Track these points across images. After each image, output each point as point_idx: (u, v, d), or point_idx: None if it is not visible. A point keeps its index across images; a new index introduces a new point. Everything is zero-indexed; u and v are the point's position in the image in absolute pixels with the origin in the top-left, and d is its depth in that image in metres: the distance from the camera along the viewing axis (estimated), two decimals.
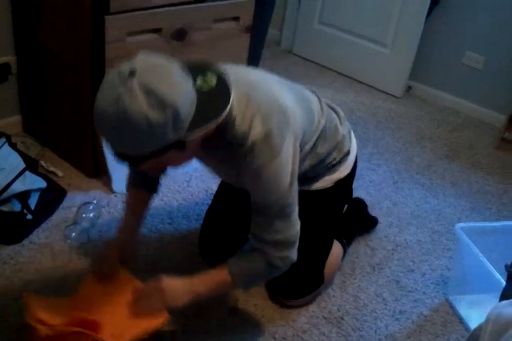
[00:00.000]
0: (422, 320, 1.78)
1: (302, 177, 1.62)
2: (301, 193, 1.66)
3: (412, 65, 3.18)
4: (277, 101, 1.36)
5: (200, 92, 1.20)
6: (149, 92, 1.10)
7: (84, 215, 2.02)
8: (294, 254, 1.44)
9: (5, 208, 1.93)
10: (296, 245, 1.44)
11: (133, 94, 1.09)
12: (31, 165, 2.11)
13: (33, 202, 2.01)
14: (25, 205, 1.97)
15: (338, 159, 1.66)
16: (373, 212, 2.23)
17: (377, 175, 2.48)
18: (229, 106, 1.24)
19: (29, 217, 1.97)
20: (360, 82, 3.38)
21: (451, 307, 1.82)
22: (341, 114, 1.72)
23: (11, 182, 1.94)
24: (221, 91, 1.25)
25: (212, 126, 1.23)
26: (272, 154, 1.31)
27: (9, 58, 2.33)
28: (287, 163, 1.35)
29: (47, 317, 1.46)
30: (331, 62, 3.51)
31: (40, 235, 1.97)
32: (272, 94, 1.38)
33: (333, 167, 1.67)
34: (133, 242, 1.66)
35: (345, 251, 1.91)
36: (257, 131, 1.30)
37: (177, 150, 1.21)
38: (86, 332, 1.42)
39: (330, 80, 3.38)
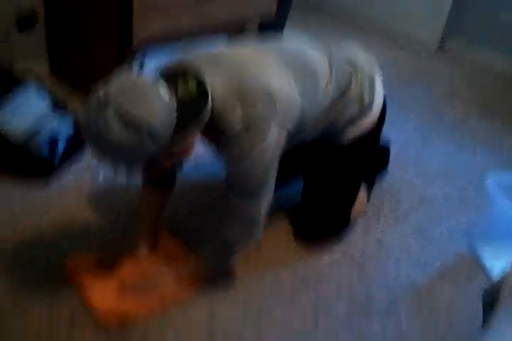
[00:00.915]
0: (445, 269, 1.77)
1: (320, 133, 1.62)
2: (324, 147, 1.68)
3: (446, 21, 3.10)
4: (265, 88, 1.35)
5: (181, 99, 1.24)
6: (124, 120, 1.15)
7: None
8: (258, 232, 1.49)
9: (34, 152, 1.95)
10: (260, 223, 1.47)
11: (108, 122, 1.16)
12: (59, 106, 2.12)
13: (61, 144, 2.03)
14: (54, 148, 1.99)
15: (357, 113, 1.63)
16: (401, 165, 2.21)
17: (408, 129, 2.45)
18: (207, 111, 1.28)
19: (57, 160, 1.99)
20: (391, 38, 3.31)
21: (475, 257, 1.81)
22: (360, 64, 1.65)
23: (40, 124, 1.96)
24: (200, 95, 1.28)
25: (194, 131, 1.29)
26: (252, 144, 1.33)
27: (37, 3, 2.33)
28: (267, 151, 1.36)
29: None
30: (360, 17, 3.45)
31: (68, 178, 2.00)
32: (262, 80, 1.37)
33: (352, 122, 1.64)
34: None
35: (370, 193, 1.92)
36: (237, 121, 1.31)
37: (166, 155, 1.28)
38: None
39: (359, 35, 3.31)
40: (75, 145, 2.08)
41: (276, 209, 1.87)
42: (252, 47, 1.53)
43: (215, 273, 1.63)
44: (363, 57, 1.70)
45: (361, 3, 3.47)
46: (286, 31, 2.62)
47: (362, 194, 1.84)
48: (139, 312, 1.51)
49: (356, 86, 1.60)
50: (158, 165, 1.34)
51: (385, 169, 2.11)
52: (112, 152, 1.21)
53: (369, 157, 1.81)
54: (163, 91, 1.21)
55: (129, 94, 1.18)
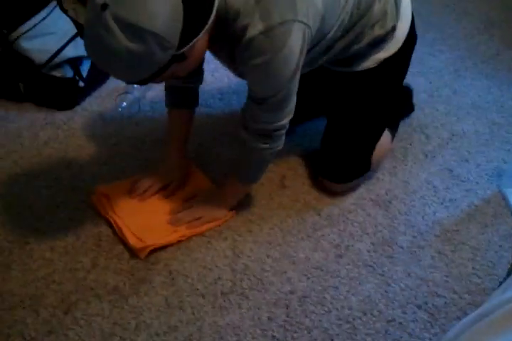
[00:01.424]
0: (472, 209, 1.75)
1: (340, 57, 1.52)
2: (344, 74, 1.59)
3: None
4: None
5: None
6: (124, 25, 1.05)
7: (135, 85, 2.00)
8: (277, 145, 1.46)
9: (57, 73, 1.92)
10: (283, 137, 1.44)
11: (109, 29, 1.06)
12: (82, 31, 2.05)
13: (84, 69, 1.99)
14: (77, 72, 1.95)
15: (380, 36, 1.51)
16: (431, 99, 2.14)
17: (439, 62, 2.35)
18: (215, 6, 1.15)
19: (81, 83, 1.96)
20: None
21: (504, 199, 1.78)
22: None
23: (63, 46, 1.91)
24: None
25: (205, 32, 1.17)
26: (272, 51, 1.22)
27: None
28: (290, 58, 1.25)
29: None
30: None
31: (92, 103, 1.97)
32: None
33: (375, 45, 1.53)
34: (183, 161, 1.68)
35: (393, 137, 1.86)
36: (255, 27, 1.19)
37: (179, 63, 1.18)
38: None
39: None
40: (99, 70, 2.02)
41: (301, 149, 1.87)
42: None
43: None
44: None
45: None
46: None
47: (385, 139, 1.76)
48: (166, 243, 1.53)
49: (380, 3, 1.47)
50: (170, 76, 1.24)
51: (409, 115, 2.03)
52: (119, 64, 1.12)
53: (394, 89, 1.70)
54: None
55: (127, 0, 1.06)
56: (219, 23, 1.21)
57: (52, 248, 1.51)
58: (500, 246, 1.65)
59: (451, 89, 2.22)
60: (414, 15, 1.62)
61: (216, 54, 1.44)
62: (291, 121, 1.50)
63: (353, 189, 1.75)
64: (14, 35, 1.83)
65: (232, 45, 1.26)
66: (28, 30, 1.86)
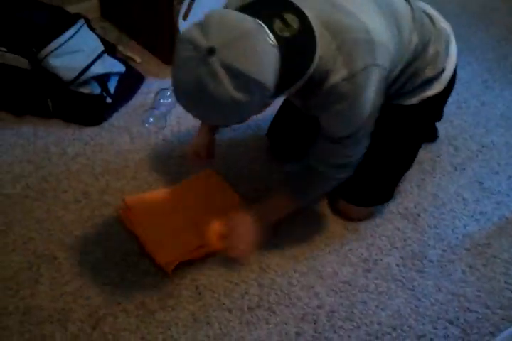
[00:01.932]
0: (504, 222, 1.72)
1: (389, 90, 1.48)
2: (388, 107, 1.54)
3: None
4: (364, 32, 1.19)
5: (281, 43, 1.06)
6: (234, 74, 1.01)
7: (161, 101, 2.01)
8: (351, 172, 1.44)
9: (85, 90, 1.94)
10: (354, 166, 1.42)
11: (216, 76, 1.01)
12: (110, 49, 2.09)
13: (112, 85, 2.01)
14: (105, 88, 1.97)
15: (430, 76, 1.50)
16: (459, 111, 2.12)
17: (467, 73, 2.32)
18: (316, 61, 1.13)
19: (108, 100, 1.98)
20: None
21: None
22: (439, 23, 1.52)
23: (91, 63, 1.93)
24: (305, 37, 1.11)
25: (301, 82, 1.16)
26: (354, 95, 1.20)
27: None
28: (370, 100, 1.24)
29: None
30: None
31: (119, 119, 1.99)
32: (359, 23, 1.19)
33: (424, 84, 1.52)
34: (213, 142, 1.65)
35: None
36: (339, 74, 1.17)
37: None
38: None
39: None
40: (127, 85, 2.06)
41: None
42: None
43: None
44: (439, 17, 1.56)
45: None
46: None
47: None
48: (192, 257, 1.52)
49: (434, 45, 1.46)
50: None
51: (434, 141, 2.00)
52: (215, 110, 1.07)
53: (428, 124, 1.71)
54: (270, 36, 1.04)
55: (236, 47, 1.01)
56: None
57: (80, 263, 1.52)
58: None
59: (479, 100, 2.19)
60: (451, 43, 1.61)
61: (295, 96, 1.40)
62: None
63: (367, 217, 1.70)
64: (43, 53, 1.86)
65: (309, 88, 1.22)
66: (56, 48, 1.88)
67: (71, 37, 1.92)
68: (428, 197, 1.78)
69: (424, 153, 1.91)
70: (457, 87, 2.20)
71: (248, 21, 1.04)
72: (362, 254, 1.60)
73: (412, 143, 1.63)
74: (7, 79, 1.92)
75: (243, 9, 1.10)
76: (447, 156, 1.93)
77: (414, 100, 1.54)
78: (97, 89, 1.95)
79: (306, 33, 1.11)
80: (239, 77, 1.01)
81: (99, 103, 1.96)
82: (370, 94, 1.24)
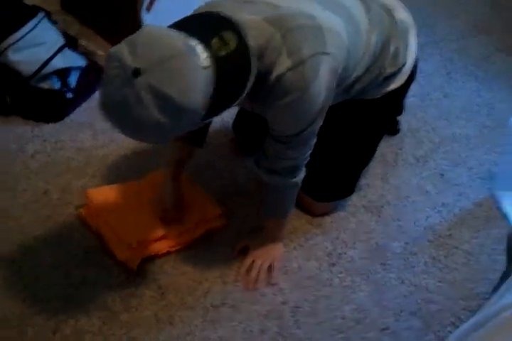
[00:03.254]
0: (465, 213, 1.74)
1: (351, 91, 1.48)
2: (347, 102, 1.53)
3: None
4: (309, 18, 1.17)
5: (217, 63, 1.04)
6: (159, 97, 0.99)
7: None
8: (303, 173, 1.42)
9: (45, 85, 1.91)
10: (304, 166, 1.41)
11: (141, 99, 0.99)
12: (71, 42, 2.04)
13: (73, 80, 1.97)
14: (65, 83, 1.94)
15: (391, 72, 1.49)
16: (423, 103, 2.13)
17: (430, 65, 2.33)
18: (252, 77, 1.09)
19: (69, 95, 1.94)
20: None
21: (496, 202, 1.77)
22: (398, 15, 1.51)
23: (51, 57, 1.89)
24: (241, 56, 1.08)
25: (235, 104, 1.12)
26: (302, 87, 1.16)
27: None
28: (320, 93, 1.20)
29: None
30: None
31: (81, 114, 1.96)
32: (303, 12, 1.18)
33: (386, 80, 1.51)
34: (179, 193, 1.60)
35: None
36: (283, 64, 1.14)
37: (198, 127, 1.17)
38: None
39: None
40: (89, 80, 2.02)
41: None
42: None
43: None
44: (399, 7, 1.55)
45: None
46: None
47: None
48: (156, 253, 1.51)
49: (394, 42, 1.45)
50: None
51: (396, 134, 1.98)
52: (140, 133, 1.07)
53: (389, 118, 1.71)
54: (202, 57, 1.02)
55: (162, 69, 0.99)
56: None
57: (40, 264, 1.49)
58: (493, 249, 1.64)
59: (442, 92, 2.21)
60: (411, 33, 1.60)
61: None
62: None
63: (330, 212, 1.70)
64: (1, 47, 1.82)
65: (255, 85, 1.17)
66: (15, 42, 1.84)
67: (30, 30, 1.87)
68: (391, 190, 1.79)
69: (387, 146, 1.92)
70: (420, 79, 2.23)
71: (178, 42, 1.02)
72: (326, 248, 1.61)
73: (372, 137, 1.64)
74: None
75: (182, 25, 1.08)
76: (410, 149, 1.94)
77: (376, 95, 1.54)
78: (57, 84, 1.92)
79: (242, 51, 1.08)
80: (164, 101, 0.99)
81: (60, 98, 1.92)
82: (320, 87, 1.19)
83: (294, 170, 1.39)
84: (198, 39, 1.04)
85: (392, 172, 1.85)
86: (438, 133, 2.02)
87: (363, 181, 1.79)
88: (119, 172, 1.75)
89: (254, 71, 1.10)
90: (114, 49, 1.03)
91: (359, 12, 1.36)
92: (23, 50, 1.86)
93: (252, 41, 1.10)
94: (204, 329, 1.39)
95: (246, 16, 1.14)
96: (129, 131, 1.08)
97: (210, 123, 1.55)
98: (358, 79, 1.41)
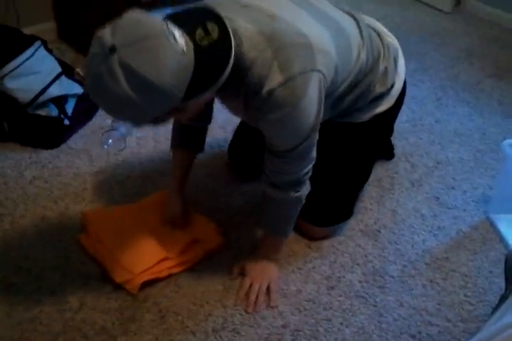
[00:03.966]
0: (461, 236, 1.75)
1: (340, 112, 1.52)
2: (336, 124, 1.57)
3: None
4: (302, 36, 1.20)
5: (200, 50, 1.07)
6: (131, 74, 1.02)
7: (120, 122, 2.00)
8: (307, 188, 1.44)
9: (42, 112, 1.92)
10: (308, 180, 1.42)
11: (114, 74, 1.02)
12: (67, 70, 2.07)
13: (69, 107, 2.00)
14: (62, 110, 1.95)
15: (380, 92, 1.53)
16: (415, 128, 2.17)
17: (421, 91, 2.38)
18: (229, 67, 1.13)
19: (66, 122, 1.96)
20: None
21: (492, 225, 1.79)
22: (386, 38, 1.55)
23: (48, 85, 1.92)
24: (222, 46, 1.12)
25: (213, 90, 1.15)
26: (293, 102, 1.19)
27: None
28: (311, 108, 1.23)
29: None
30: None
31: (77, 141, 1.97)
32: (299, 27, 1.22)
33: (374, 101, 1.54)
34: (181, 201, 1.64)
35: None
36: (275, 79, 1.16)
37: (178, 112, 1.16)
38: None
39: None
40: (85, 107, 2.04)
41: None
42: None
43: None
44: (386, 32, 1.60)
45: None
46: None
47: None
48: (155, 276, 1.50)
49: (384, 61, 1.49)
50: (168, 121, 1.22)
51: (391, 159, 2.01)
52: (119, 109, 1.09)
53: (380, 140, 1.72)
54: (180, 42, 1.05)
55: (137, 47, 1.02)
56: (231, 76, 1.16)
57: (39, 288, 1.48)
58: (491, 272, 1.64)
59: (433, 117, 2.25)
60: (399, 57, 1.64)
61: (225, 102, 1.38)
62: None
63: (329, 236, 1.70)
64: None
65: (246, 94, 1.22)
66: (12, 70, 1.86)
67: (27, 59, 1.90)
68: (387, 214, 1.80)
69: (382, 171, 1.94)
70: (412, 105, 2.28)
71: (157, 25, 1.05)
72: (325, 272, 1.61)
73: (365, 160, 1.66)
74: None
75: (169, 15, 1.12)
76: (404, 173, 1.96)
77: (365, 117, 1.56)
78: (54, 112, 1.94)
79: (223, 41, 1.12)
80: (134, 77, 1.02)
81: (57, 125, 1.94)
82: (312, 103, 1.22)
83: (295, 184, 1.39)
84: (182, 28, 1.07)
85: (388, 196, 1.87)
86: (432, 157, 2.05)
87: (359, 205, 1.80)
88: (115, 197, 1.76)
89: (231, 62, 1.13)
90: (100, 29, 1.07)
91: (350, 26, 1.40)
92: (20, 78, 1.88)
93: (245, 50, 1.15)
94: None
95: (243, 24, 1.17)
96: (107, 107, 1.11)
97: (207, 125, 1.59)
98: (346, 93, 1.43)
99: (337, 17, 1.39)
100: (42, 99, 1.91)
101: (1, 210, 1.68)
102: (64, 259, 1.56)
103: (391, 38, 1.61)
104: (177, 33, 1.05)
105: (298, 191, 1.41)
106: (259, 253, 1.56)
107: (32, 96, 1.89)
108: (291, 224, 1.53)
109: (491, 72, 2.56)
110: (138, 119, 1.14)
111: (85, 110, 2.05)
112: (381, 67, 1.49)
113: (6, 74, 1.85)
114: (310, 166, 1.39)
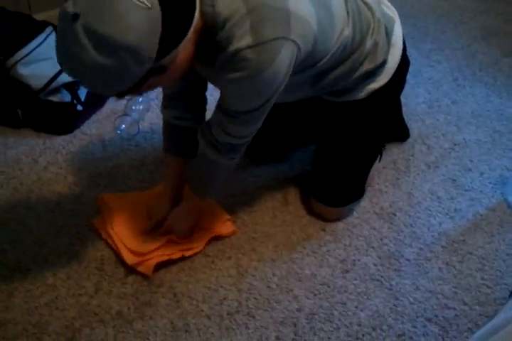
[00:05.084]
0: (478, 218, 1.73)
1: (329, 90, 1.49)
2: (335, 104, 1.54)
3: None
4: (280, 1, 1.14)
5: (160, 4, 1.02)
6: (94, 37, 0.99)
7: (133, 107, 2.00)
8: (238, 158, 1.41)
9: (55, 98, 1.92)
10: (243, 150, 1.39)
11: (79, 42, 0.99)
12: None
13: (82, 93, 1.99)
14: (75, 96, 1.95)
15: (370, 70, 1.47)
16: (431, 110, 2.14)
17: (437, 72, 2.34)
18: (196, 15, 1.10)
19: (79, 107, 1.95)
20: None
21: (509, 207, 1.76)
22: (380, 11, 1.48)
23: (60, 71, 1.91)
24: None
25: (187, 43, 1.11)
26: (257, 68, 1.14)
27: None
28: (274, 78, 1.18)
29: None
30: None
31: (90, 126, 1.97)
32: None
33: (366, 78, 1.49)
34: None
35: (380, 158, 1.80)
36: (244, 39, 1.11)
37: (159, 74, 1.11)
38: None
39: None
40: (97, 94, 2.02)
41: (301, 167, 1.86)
42: None
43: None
44: (383, 2, 1.53)
45: None
46: None
47: None
48: (170, 257, 1.51)
49: (372, 37, 1.43)
50: (151, 88, 1.18)
51: (405, 140, 1.97)
52: (94, 78, 1.05)
53: (386, 117, 1.67)
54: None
55: (97, 10, 0.99)
56: (205, 30, 1.14)
57: (55, 273, 1.49)
58: (508, 254, 1.62)
59: (450, 98, 2.21)
60: (410, 26, 1.61)
61: (203, 68, 1.33)
62: (282, 149, 1.44)
63: (342, 217, 1.70)
64: (11, 61, 1.83)
65: (213, 54, 1.19)
66: (24, 57, 1.86)
67: (39, 45, 1.89)
68: (403, 196, 1.78)
69: (398, 153, 1.92)
70: (428, 86, 2.25)
71: None
72: (340, 255, 1.60)
73: (371, 137, 1.63)
74: None
75: None
76: (420, 155, 1.94)
77: (360, 95, 1.52)
78: (67, 97, 1.93)
79: None
80: (101, 41, 0.99)
81: (70, 111, 1.93)
82: (277, 72, 1.17)
83: (232, 150, 1.36)
84: None
85: (404, 178, 1.85)
86: (448, 139, 2.02)
87: (375, 187, 1.79)
88: (129, 182, 1.76)
89: (197, 8, 1.11)
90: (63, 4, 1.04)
91: (337, 2, 1.33)
92: (32, 64, 1.88)
93: (219, 10, 1.11)
94: (220, 336, 1.39)
95: None
96: (83, 79, 1.07)
97: (194, 130, 1.52)
98: (329, 69, 1.39)
99: None
100: (54, 84, 1.90)
101: (17, 196, 1.69)
102: (79, 244, 1.57)
103: (388, 9, 1.53)
104: None
105: (233, 158, 1.39)
106: (181, 205, 1.56)
107: (44, 82, 1.89)
108: (213, 188, 1.50)
109: (509, 51, 2.51)
110: (117, 87, 1.08)
111: (98, 95, 2.05)
112: (369, 42, 1.43)
113: (18, 60, 1.84)
114: (251, 136, 1.36)
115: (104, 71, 1.02)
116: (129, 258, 1.47)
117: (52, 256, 1.54)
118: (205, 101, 1.57)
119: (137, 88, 1.11)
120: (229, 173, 1.48)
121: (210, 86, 1.49)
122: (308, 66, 1.33)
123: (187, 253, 1.53)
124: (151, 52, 1.03)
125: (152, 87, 1.19)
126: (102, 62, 1.01)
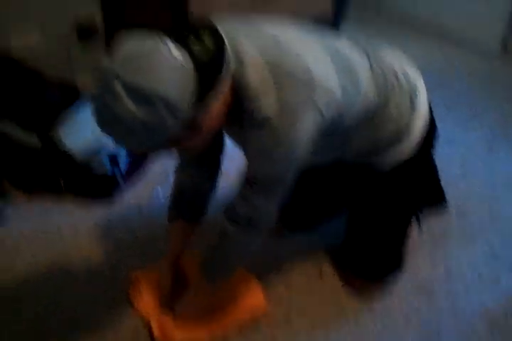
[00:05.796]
0: None
1: (352, 159, 1.50)
2: (365, 175, 1.54)
3: (509, 20, 2.94)
4: (306, 70, 1.18)
5: (198, 58, 1.07)
6: (132, 91, 1.02)
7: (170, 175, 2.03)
8: (260, 238, 1.38)
9: (97, 168, 1.95)
10: (263, 228, 1.36)
11: (117, 96, 1.03)
12: None
13: (123, 161, 2.03)
14: (116, 165, 1.99)
15: (394, 134, 1.46)
16: (467, 177, 2.12)
17: (470, 140, 2.34)
18: (224, 69, 1.13)
19: (119, 177, 1.99)
20: (450, 40, 3.17)
21: None
22: (402, 78, 1.47)
23: (101, 141, 1.96)
24: (216, 51, 1.11)
25: (219, 100, 1.14)
26: (285, 130, 1.17)
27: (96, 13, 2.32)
28: (298, 143, 1.21)
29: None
30: (418, 18, 3.34)
31: (130, 195, 2.01)
32: (304, 60, 1.20)
33: (390, 144, 1.48)
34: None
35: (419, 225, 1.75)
36: (270, 102, 1.15)
37: (192, 132, 1.14)
38: None
39: (416, 39, 3.21)
40: (137, 163, 2.08)
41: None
42: (297, 29, 1.31)
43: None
44: (407, 67, 1.53)
45: (419, 4, 3.38)
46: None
47: None
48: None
49: (395, 103, 1.43)
50: (182, 146, 1.21)
51: (444, 205, 1.86)
52: (130, 133, 1.06)
53: (416, 186, 1.63)
54: (175, 52, 1.05)
55: (133, 62, 1.03)
56: (236, 100, 1.18)
57: None
58: None
59: (485, 165, 2.20)
60: (441, 94, 1.58)
61: (229, 131, 1.38)
62: (314, 221, 1.45)
63: (380, 291, 1.67)
64: (55, 131, 1.88)
65: (241, 122, 1.21)
66: (68, 127, 1.91)
67: (84, 115, 1.95)
68: (441, 272, 1.75)
69: (436, 225, 1.90)
70: (462, 151, 2.24)
71: (148, 40, 1.06)
72: (377, 332, 1.56)
73: (400, 207, 1.60)
74: (19, 158, 1.95)
75: (169, 32, 1.12)
76: (458, 227, 1.91)
77: (387, 164, 1.51)
78: (107, 167, 1.96)
79: (216, 46, 1.12)
80: (136, 92, 1.02)
81: (110, 180, 1.97)
82: (301, 135, 1.20)
83: (251, 221, 1.32)
84: (178, 40, 1.08)
85: (442, 253, 1.82)
86: (486, 209, 1.99)
87: (411, 261, 1.76)
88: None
89: (228, 60, 1.13)
90: (98, 64, 1.08)
91: (363, 66, 1.35)
92: (76, 135, 1.91)
93: (250, 80, 1.16)
94: None
95: (250, 51, 1.17)
96: (117, 134, 1.09)
97: (206, 197, 1.55)
98: (352, 132, 1.40)
99: (352, 57, 1.35)
100: (96, 154, 1.94)
101: (57, 264, 1.72)
102: (115, 314, 1.57)
103: (411, 72, 1.53)
104: (170, 44, 1.06)
105: (250, 233, 1.35)
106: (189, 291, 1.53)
107: (86, 152, 1.92)
108: (224, 275, 1.46)
109: None
110: (150, 142, 1.10)
111: (138, 163, 2.09)
112: (392, 106, 1.42)
113: (62, 130, 1.89)
114: (272, 209, 1.33)
115: (141, 123, 1.04)
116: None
117: (87, 324, 1.54)
118: (220, 163, 1.57)
119: (170, 144, 1.14)
120: (245, 259, 1.44)
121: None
122: (332, 130, 1.33)
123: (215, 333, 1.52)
124: (185, 104, 1.06)
125: (184, 145, 1.21)
126: (138, 114, 1.03)
